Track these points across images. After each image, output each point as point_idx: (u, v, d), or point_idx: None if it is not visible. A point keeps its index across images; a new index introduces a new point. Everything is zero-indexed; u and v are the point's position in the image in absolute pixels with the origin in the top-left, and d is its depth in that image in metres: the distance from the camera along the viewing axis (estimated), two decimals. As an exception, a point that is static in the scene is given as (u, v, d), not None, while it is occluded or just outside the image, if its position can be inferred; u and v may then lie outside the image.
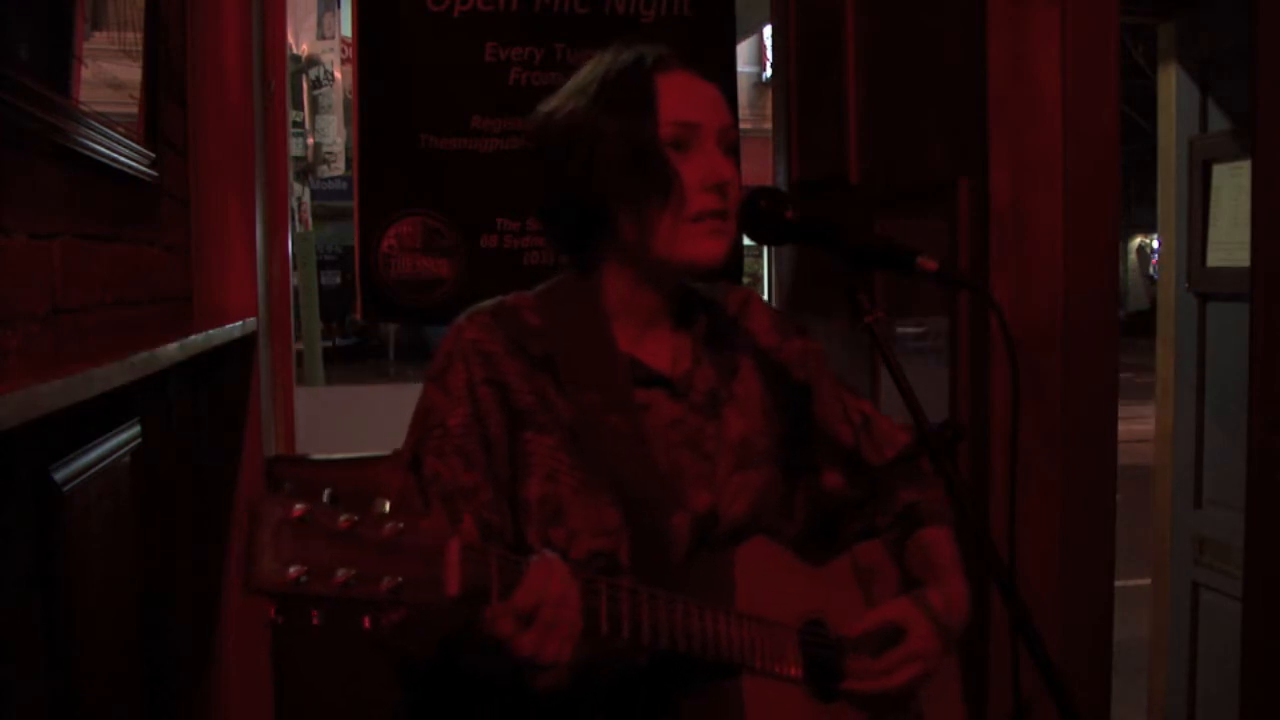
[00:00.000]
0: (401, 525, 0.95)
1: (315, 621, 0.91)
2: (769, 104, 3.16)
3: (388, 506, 0.96)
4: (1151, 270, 20.08)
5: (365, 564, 0.92)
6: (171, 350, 1.61)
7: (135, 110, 1.77)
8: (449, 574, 0.97)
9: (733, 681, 1.20)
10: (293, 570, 0.89)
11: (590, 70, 1.31)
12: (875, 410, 1.49)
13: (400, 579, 0.93)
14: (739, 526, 1.31)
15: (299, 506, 0.91)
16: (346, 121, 11.61)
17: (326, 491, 0.93)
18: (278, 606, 0.90)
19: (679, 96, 1.27)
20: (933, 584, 1.36)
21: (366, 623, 0.94)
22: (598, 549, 1.24)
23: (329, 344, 17.69)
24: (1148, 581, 3.34)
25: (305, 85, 11.89)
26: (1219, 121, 3.00)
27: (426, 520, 1.21)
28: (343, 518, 0.92)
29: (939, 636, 1.30)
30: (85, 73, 1.49)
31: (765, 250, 8.32)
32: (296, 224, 12.10)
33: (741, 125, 1.37)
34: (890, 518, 1.45)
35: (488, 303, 1.34)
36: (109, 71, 1.63)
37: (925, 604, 1.33)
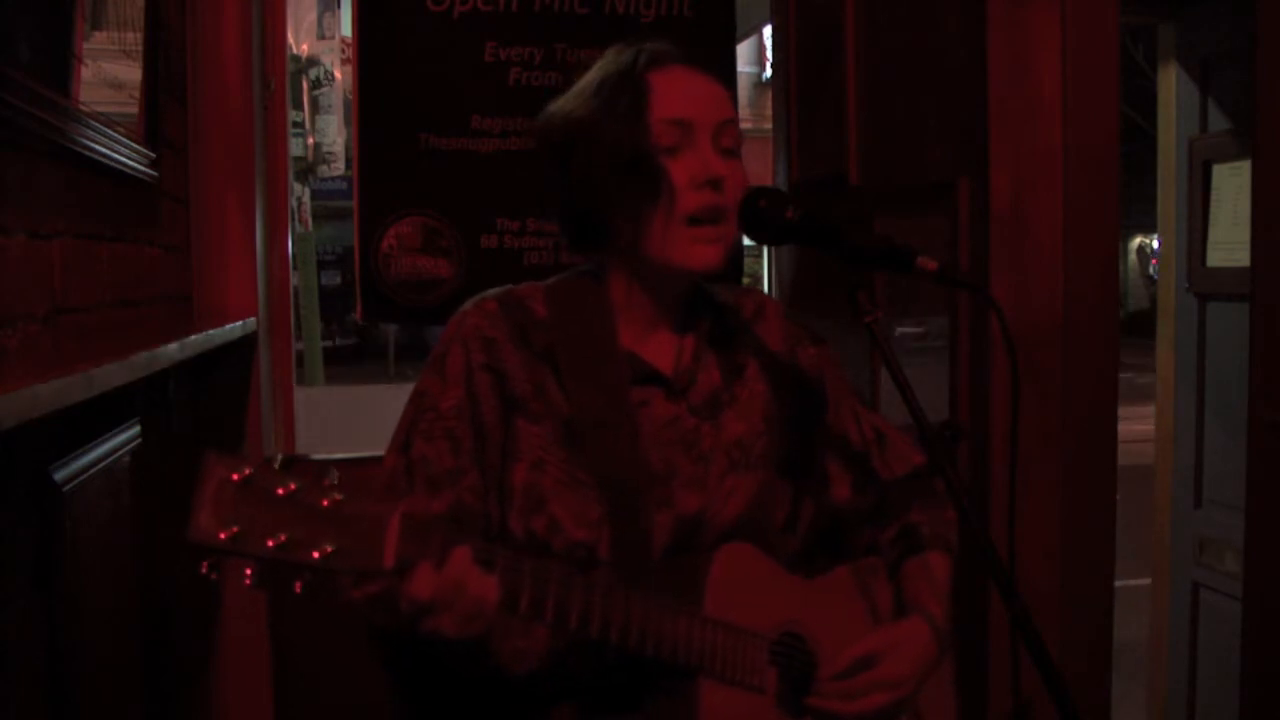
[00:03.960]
0: (339, 496, 0.97)
1: (248, 583, 0.95)
2: (769, 104, 3.16)
3: (338, 477, 0.98)
4: (1151, 270, 20.08)
5: (300, 530, 0.95)
6: (171, 350, 1.62)
7: (135, 110, 1.77)
8: (388, 546, 0.99)
9: (689, 683, 1.18)
10: (228, 529, 0.92)
11: (593, 71, 1.31)
12: (891, 427, 1.47)
13: (332, 548, 0.95)
14: (729, 531, 1.29)
15: (243, 469, 0.94)
16: (346, 121, 11.63)
17: (279, 456, 0.96)
18: (210, 562, 0.94)
19: (672, 93, 1.26)
20: (931, 602, 1.35)
21: (298, 587, 0.96)
22: (578, 540, 1.24)
23: (329, 343, 17.71)
24: (1148, 581, 3.35)
25: (305, 85, 11.91)
26: (1219, 121, 3.00)
27: (410, 503, 1.21)
28: (283, 484, 0.95)
29: (923, 659, 1.29)
30: (85, 73, 1.49)
31: (765, 250, 8.33)
32: (296, 224, 12.12)
33: (741, 125, 1.36)
34: (894, 534, 1.43)
35: (496, 290, 1.34)
36: (109, 71, 1.63)
37: (928, 615, 1.32)
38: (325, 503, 0.96)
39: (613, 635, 1.12)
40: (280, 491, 0.95)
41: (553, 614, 1.09)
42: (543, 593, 1.08)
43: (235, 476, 0.93)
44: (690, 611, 1.18)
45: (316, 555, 0.95)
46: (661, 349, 1.34)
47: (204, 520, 0.92)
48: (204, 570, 0.94)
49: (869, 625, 1.37)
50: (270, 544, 0.93)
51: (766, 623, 1.26)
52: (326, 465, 0.99)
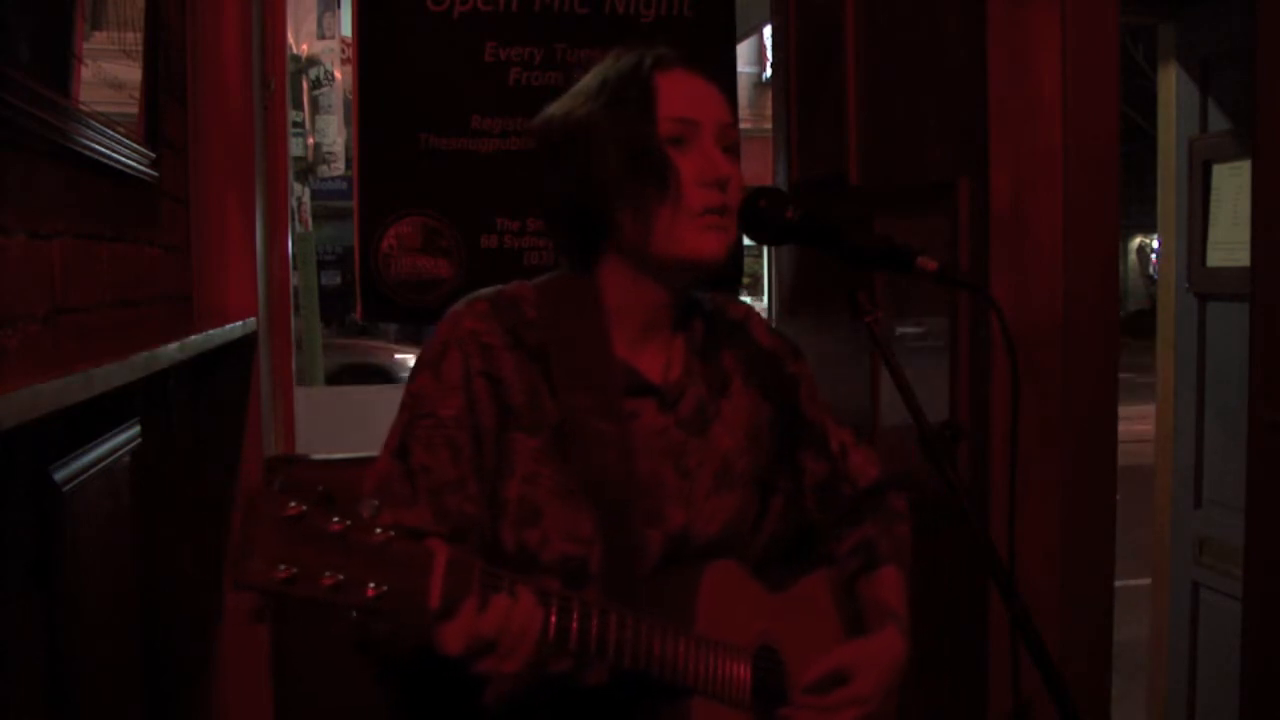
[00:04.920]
0: (391, 533, 0.95)
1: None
2: (769, 104, 3.16)
3: (376, 507, 0.96)
4: (1151, 270, 20.08)
5: (353, 569, 0.92)
6: (171, 350, 1.61)
7: (135, 110, 1.77)
8: (433, 586, 0.97)
9: (683, 701, 1.19)
10: (282, 570, 0.90)
11: (593, 74, 1.32)
12: (855, 442, 1.49)
13: (386, 587, 0.93)
14: (709, 547, 1.30)
15: (294, 505, 0.91)
16: (346, 121, 11.61)
17: (321, 489, 0.93)
18: (265, 602, 0.91)
19: (677, 93, 1.27)
20: (901, 610, 1.37)
21: (344, 622, 0.95)
22: (569, 553, 1.24)
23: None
24: (1148, 581, 3.34)
25: (305, 85, 11.89)
26: (1219, 121, 3.00)
27: (412, 513, 1.21)
28: (335, 520, 0.92)
29: (893, 669, 1.30)
30: (85, 73, 1.49)
31: (765, 250, 8.31)
32: (296, 224, 12.11)
33: (741, 125, 1.36)
34: (850, 547, 1.45)
35: (487, 291, 1.34)
36: (109, 71, 1.63)
37: (900, 621, 1.35)
38: (375, 540, 0.94)
39: (625, 660, 1.13)
40: (334, 528, 0.92)
41: (576, 642, 1.09)
42: (567, 621, 1.08)
43: (290, 512, 0.90)
44: (686, 632, 1.19)
45: (371, 593, 0.93)
46: (653, 358, 1.33)
47: (256, 562, 0.89)
48: (258, 606, 0.92)
49: (841, 636, 1.38)
50: (326, 584, 0.91)
51: (749, 636, 1.27)
52: (362, 497, 0.96)
